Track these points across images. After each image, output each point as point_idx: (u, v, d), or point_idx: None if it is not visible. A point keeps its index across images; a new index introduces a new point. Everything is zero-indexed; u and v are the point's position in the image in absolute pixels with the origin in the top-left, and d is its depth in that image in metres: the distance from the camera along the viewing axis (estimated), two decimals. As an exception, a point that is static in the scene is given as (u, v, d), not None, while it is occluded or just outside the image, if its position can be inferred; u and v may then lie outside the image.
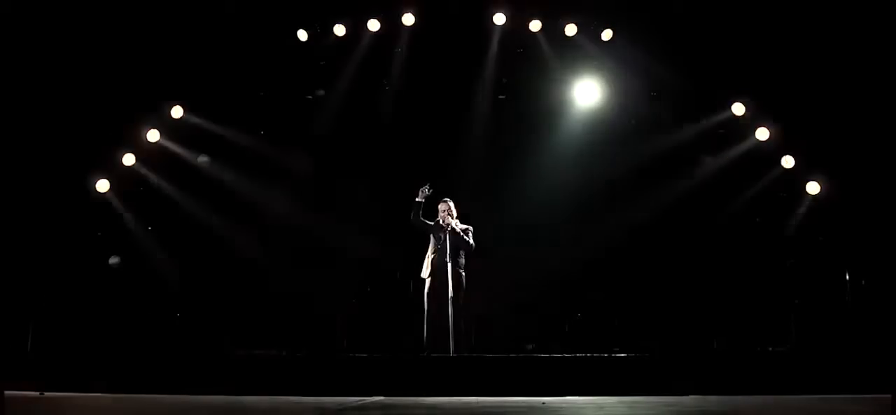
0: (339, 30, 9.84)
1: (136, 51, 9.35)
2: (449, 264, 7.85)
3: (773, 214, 9.63)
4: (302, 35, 9.82)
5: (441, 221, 8.07)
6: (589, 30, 9.81)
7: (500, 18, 9.73)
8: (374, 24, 9.83)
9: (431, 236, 8.14)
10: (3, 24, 8.43)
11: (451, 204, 8.17)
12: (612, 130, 10.19)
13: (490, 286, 9.22)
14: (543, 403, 5.95)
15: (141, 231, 9.78)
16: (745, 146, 9.72)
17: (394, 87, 10.23)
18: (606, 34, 9.71)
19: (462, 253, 8.06)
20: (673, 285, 9.73)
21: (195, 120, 9.96)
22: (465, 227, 8.15)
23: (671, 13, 9.51)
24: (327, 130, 10.20)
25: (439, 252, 7.99)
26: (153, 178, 9.84)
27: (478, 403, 6.01)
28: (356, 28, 9.90)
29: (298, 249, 9.93)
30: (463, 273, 8.05)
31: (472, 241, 8.09)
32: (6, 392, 4.75)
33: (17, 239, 8.57)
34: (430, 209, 8.18)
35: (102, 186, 9.48)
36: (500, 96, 10.30)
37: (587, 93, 10.15)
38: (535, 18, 9.77)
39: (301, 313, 9.78)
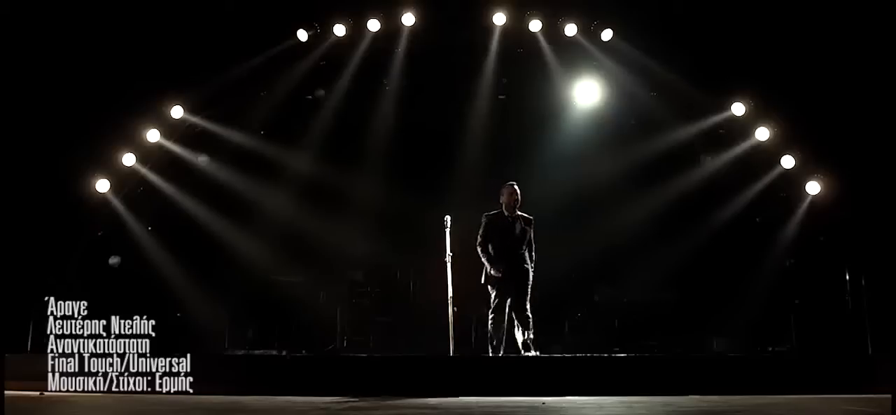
0: (339, 30, 9.84)
1: (135, 51, 9.35)
2: (513, 254, 7.61)
3: (773, 214, 9.63)
4: (302, 35, 9.81)
5: (504, 209, 7.76)
6: (589, 30, 9.81)
7: (500, 18, 9.71)
8: (374, 24, 9.83)
9: (492, 231, 7.73)
10: (4, 24, 8.43)
11: (517, 187, 7.87)
12: (612, 130, 10.20)
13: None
14: (543, 403, 5.95)
15: (141, 231, 9.78)
16: (745, 146, 9.71)
17: (394, 87, 10.24)
18: (606, 34, 9.70)
19: (527, 246, 7.75)
20: (673, 285, 9.73)
21: (195, 120, 9.96)
22: (527, 216, 7.83)
23: (671, 13, 9.52)
24: (327, 130, 10.21)
25: (506, 243, 7.63)
26: (153, 178, 9.84)
27: (478, 403, 6.01)
28: (356, 28, 9.90)
29: (298, 249, 9.93)
30: (530, 266, 7.72)
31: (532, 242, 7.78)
32: (6, 392, 4.74)
33: (18, 239, 8.56)
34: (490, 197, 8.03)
35: (102, 186, 9.47)
36: (500, 96, 10.30)
37: (587, 93, 10.15)
38: (535, 18, 9.76)
39: (301, 313, 9.78)
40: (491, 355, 7.56)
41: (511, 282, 7.59)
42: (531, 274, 7.70)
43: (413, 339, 9.17)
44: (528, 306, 7.61)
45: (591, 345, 9.18)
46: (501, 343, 7.60)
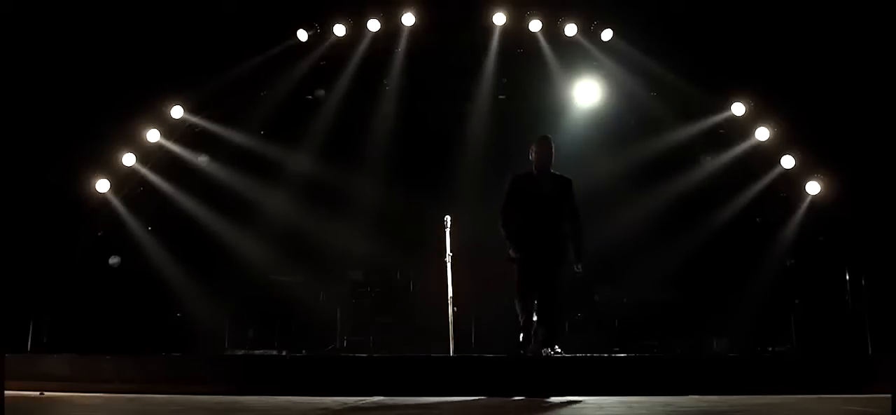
0: (339, 30, 9.84)
1: (136, 50, 9.35)
2: (542, 221, 6.71)
3: (773, 214, 9.62)
4: (302, 35, 9.81)
5: (534, 167, 6.97)
6: (589, 30, 9.81)
7: (500, 18, 9.73)
8: (374, 24, 9.83)
9: (518, 193, 6.82)
10: (4, 24, 8.43)
11: (550, 140, 6.99)
12: (612, 130, 10.20)
13: (490, 286, 9.22)
14: (543, 403, 5.95)
15: (141, 231, 9.78)
16: (745, 146, 9.71)
17: (394, 87, 10.24)
18: (606, 34, 9.71)
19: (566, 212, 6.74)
20: (673, 285, 9.73)
21: (195, 120, 9.96)
22: (564, 176, 6.93)
23: (671, 13, 9.52)
24: (327, 130, 10.21)
25: (533, 207, 6.67)
26: (153, 178, 9.84)
27: (478, 403, 6.01)
28: (356, 28, 9.90)
29: (298, 249, 9.93)
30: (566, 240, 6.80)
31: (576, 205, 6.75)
32: (6, 392, 4.73)
33: (17, 239, 8.56)
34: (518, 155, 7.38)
35: (102, 186, 9.48)
36: (500, 96, 10.30)
37: (587, 93, 10.15)
38: (535, 18, 9.77)
39: (301, 313, 9.78)
40: (522, 348, 6.88)
41: (536, 257, 6.75)
42: (564, 250, 6.83)
43: (413, 339, 9.16)
44: (552, 298, 6.80)
45: (591, 345, 9.17)
46: (529, 337, 6.86)
